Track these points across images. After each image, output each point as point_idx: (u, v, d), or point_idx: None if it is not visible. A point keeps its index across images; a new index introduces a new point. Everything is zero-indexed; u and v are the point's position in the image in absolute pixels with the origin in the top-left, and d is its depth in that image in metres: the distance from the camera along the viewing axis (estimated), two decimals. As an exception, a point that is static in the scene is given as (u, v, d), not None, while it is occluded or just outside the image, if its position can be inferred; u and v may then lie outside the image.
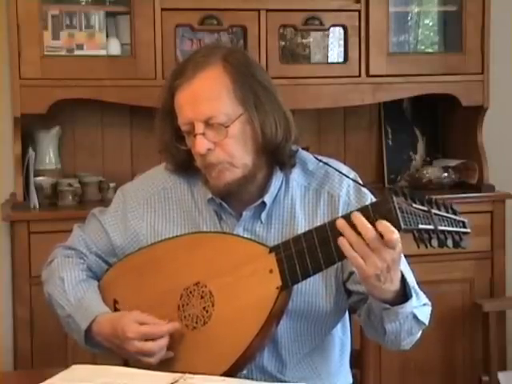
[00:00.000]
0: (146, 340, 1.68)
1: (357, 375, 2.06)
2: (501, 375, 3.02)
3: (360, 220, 1.52)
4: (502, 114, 3.41)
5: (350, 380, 1.95)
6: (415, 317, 1.68)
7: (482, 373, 3.07)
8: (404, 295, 1.62)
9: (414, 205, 1.54)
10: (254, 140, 1.73)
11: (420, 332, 1.74)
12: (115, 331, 1.71)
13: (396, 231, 1.50)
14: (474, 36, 3.18)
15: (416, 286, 1.74)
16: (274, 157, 1.78)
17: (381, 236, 1.50)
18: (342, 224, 1.54)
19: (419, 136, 3.49)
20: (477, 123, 3.24)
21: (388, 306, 1.61)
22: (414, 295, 1.65)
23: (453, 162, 3.29)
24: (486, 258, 3.17)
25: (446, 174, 3.23)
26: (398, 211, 1.51)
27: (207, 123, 1.71)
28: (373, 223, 1.52)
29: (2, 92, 3.03)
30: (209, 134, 1.71)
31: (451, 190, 3.18)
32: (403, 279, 1.61)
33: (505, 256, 3.20)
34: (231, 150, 1.72)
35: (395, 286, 1.59)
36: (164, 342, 1.68)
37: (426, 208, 1.55)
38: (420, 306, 1.70)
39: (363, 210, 1.55)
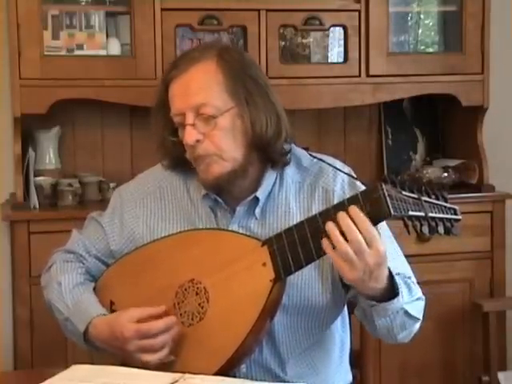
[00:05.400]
0: (145, 338, 1.68)
1: (357, 375, 2.06)
2: (501, 375, 3.02)
3: (345, 221, 1.53)
4: (502, 114, 3.41)
5: (350, 379, 1.95)
6: (406, 312, 1.68)
7: (481, 373, 3.07)
8: (392, 291, 1.63)
9: (404, 192, 1.55)
10: (243, 135, 1.74)
11: (417, 326, 1.74)
12: (113, 333, 1.71)
13: (367, 221, 1.51)
14: (474, 36, 3.18)
15: (413, 278, 1.75)
16: (265, 154, 1.78)
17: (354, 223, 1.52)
18: (330, 226, 1.55)
19: (419, 136, 3.49)
20: (477, 123, 3.24)
21: (374, 302, 1.62)
22: (405, 290, 1.66)
23: (453, 162, 3.29)
24: (486, 258, 3.17)
25: (445, 174, 3.23)
26: (387, 198, 1.51)
27: (197, 114, 1.72)
28: (362, 210, 1.53)
29: (2, 92, 3.02)
30: (198, 125, 1.73)
31: (451, 190, 3.17)
32: (391, 276, 1.62)
33: (505, 256, 3.20)
34: (220, 143, 1.73)
35: (381, 284, 1.60)
36: (166, 337, 1.68)
37: (416, 195, 1.56)
38: (412, 302, 1.70)
39: (353, 199, 1.56)
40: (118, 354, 1.74)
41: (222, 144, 1.73)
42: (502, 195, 3.20)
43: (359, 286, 1.59)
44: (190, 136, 1.73)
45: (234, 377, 1.69)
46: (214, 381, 1.57)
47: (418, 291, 1.75)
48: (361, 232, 1.52)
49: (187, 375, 1.55)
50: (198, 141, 1.73)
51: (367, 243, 1.53)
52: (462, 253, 3.12)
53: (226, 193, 1.79)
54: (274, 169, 1.81)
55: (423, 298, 1.77)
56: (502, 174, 3.31)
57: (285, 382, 1.78)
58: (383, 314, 1.64)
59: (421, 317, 1.74)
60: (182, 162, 1.83)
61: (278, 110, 1.79)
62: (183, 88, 1.74)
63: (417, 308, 1.72)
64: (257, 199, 1.79)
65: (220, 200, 1.80)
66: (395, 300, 1.63)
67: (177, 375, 1.55)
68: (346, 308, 1.90)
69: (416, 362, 3.10)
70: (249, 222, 1.80)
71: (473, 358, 3.15)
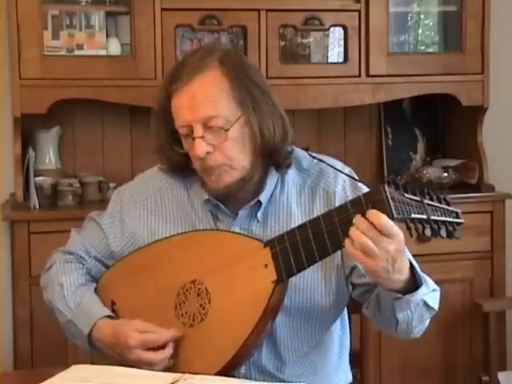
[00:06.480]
0: (148, 349, 1.68)
1: (357, 375, 2.06)
2: (501, 375, 3.02)
3: (359, 219, 1.52)
4: (502, 114, 3.41)
5: (350, 378, 1.95)
6: (426, 303, 1.68)
7: (481, 373, 3.07)
8: (414, 283, 1.62)
9: (407, 195, 1.55)
10: (252, 142, 1.74)
11: (429, 319, 1.74)
12: (116, 339, 1.71)
13: (383, 215, 1.50)
14: (474, 36, 3.18)
15: (423, 274, 1.74)
16: (271, 158, 1.78)
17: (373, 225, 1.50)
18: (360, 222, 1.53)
19: (419, 136, 3.49)
20: (477, 123, 3.24)
21: (399, 295, 1.62)
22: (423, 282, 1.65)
23: (453, 162, 3.29)
24: (486, 258, 3.17)
25: (445, 174, 3.22)
26: (390, 200, 1.51)
27: (206, 126, 1.70)
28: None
29: (2, 92, 3.03)
30: (208, 137, 1.71)
31: (451, 190, 3.17)
32: (412, 267, 1.61)
33: (505, 256, 3.20)
34: (230, 153, 1.72)
35: (404, 275, 1.59)
36: (166, 353, 1.68)
37: (418, 198, 1.56)
38: (429, 292, 1.70)
39: (356, 201, 1.56)
40: (117, 359, 1.74)
41: (232, 154, 1.72)
42: (502, 195, 3.20)
43: (384, 279, 1.58)
44: (200, 149, 1.70)
45: (234, 377, 1.68)
46: (214, 381, 1.56)
47: (432, 283, 1.75)
48: (376, 226, 1.50)
49: (187, 375, 1.55)
50: (208, 153, 1.71)
51: (385, 234, 1.51)
52: (462, 253, 3.12)
53: (231, 198, 1.79)
54: (277, 171, 1.81)
55: (438, 289, 1.76)
56: (502, 174, 3.31)
57: (284, 382, 1.78)
58: (406, 306, 1.64)
59: (437, 308, 1.74)
60: (181, 168, 1.83)
61: (281, 112, 1.78)
62: (189, 100, 1.71)
63: (434, 299, 1.72)
64: (259, 203, 1.79)
65: (222, 206, 1.80)
66: (418, 291, 1.62)
67: (176, 375, 1.55)
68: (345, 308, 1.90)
69: (416, 362, 3.10)
70: (250, 224, 1.80)
71: (473, 358, 3.15)
